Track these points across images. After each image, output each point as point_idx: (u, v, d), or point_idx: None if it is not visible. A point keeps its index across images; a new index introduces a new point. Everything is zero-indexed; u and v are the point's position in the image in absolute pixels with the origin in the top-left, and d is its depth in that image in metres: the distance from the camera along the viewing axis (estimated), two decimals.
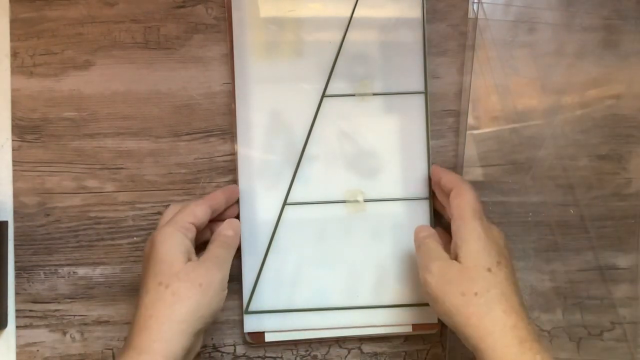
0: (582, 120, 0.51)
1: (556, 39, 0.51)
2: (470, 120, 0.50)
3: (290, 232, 0.48)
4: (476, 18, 0.50)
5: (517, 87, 0.50)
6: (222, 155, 0.49)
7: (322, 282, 0.48)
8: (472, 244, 0.40)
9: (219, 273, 0.41)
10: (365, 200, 0.48)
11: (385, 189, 0.48)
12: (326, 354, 0.49)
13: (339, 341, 0.49)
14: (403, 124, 0.48)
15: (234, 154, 0.49)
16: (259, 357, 0.49)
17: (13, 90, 0.49)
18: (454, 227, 0.41)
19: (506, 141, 0.50)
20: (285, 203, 0.48)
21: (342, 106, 0.48)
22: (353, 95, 0.49)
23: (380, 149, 0.48)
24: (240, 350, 0.49)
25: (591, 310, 0.50)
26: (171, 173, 0.49)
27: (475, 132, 0.50)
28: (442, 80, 0.50)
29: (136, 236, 0.49)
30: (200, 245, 0.44)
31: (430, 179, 0.48)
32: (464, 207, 0.41)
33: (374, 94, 0.49)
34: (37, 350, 0.49)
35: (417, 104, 0.49)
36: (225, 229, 0.45)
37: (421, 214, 0.48)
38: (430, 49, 0.50)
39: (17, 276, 0.49)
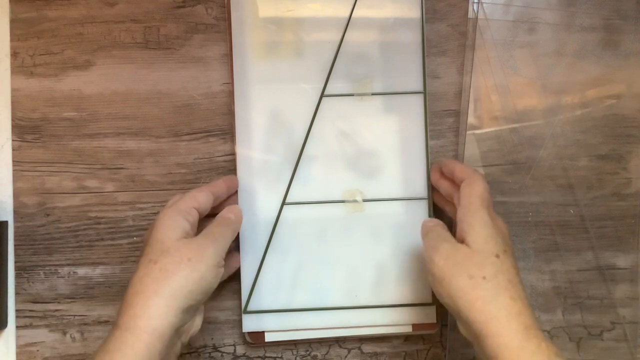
0: (582, 120, 0.51)
1: (556, 39, 0.51)
2: (472, 120, 0.50)
3: (289, 231, 0.48)
4: (476, 18, 0.50)
5: (517, 87, 0.50)
6: (222, 155, 0.49)
7: (321, 282, 0.48)
8: (481, 230, 0.40)
9: (211, 247, 0.40)
10: (364, 200, 0.48)
11: (384, 188, 0.48)
12: (326, 354, 0.49)
13: (339, 341, 0.49)
14: (402, 123, 0.48)
15: (234, 154, 0.49)
16: (258, 357, 0.49)
17: (13, 90, 0.49)
18: (460, 215, 0.41)
19: (506, 141, 0.50)
20: (284, 203, 0.48)
21: (341, 106, 0.48)
22: (352, 95, 0.48)
23: (379, 148, 0.48)
24: (240, 350, 0.49)
25: (591, 310, 0.50)
26: (171, 173, 0.49)
27: (475, 132, 0.50)
28: (442, 80, 0.50)
29: (136, 236, 0.49)
30: None
31: (429, 178, 0.48)
32: (473, 196, 0.41)
33: (373, 94, 0.49)
34: (37, 350, 0.49)
35: (416, 103, 0.49)
36: (226, 212, 0.44)
37: (420, 213, 0.48)
38: (430, 49, 0.50)
39: (17, 276, 0.49)
